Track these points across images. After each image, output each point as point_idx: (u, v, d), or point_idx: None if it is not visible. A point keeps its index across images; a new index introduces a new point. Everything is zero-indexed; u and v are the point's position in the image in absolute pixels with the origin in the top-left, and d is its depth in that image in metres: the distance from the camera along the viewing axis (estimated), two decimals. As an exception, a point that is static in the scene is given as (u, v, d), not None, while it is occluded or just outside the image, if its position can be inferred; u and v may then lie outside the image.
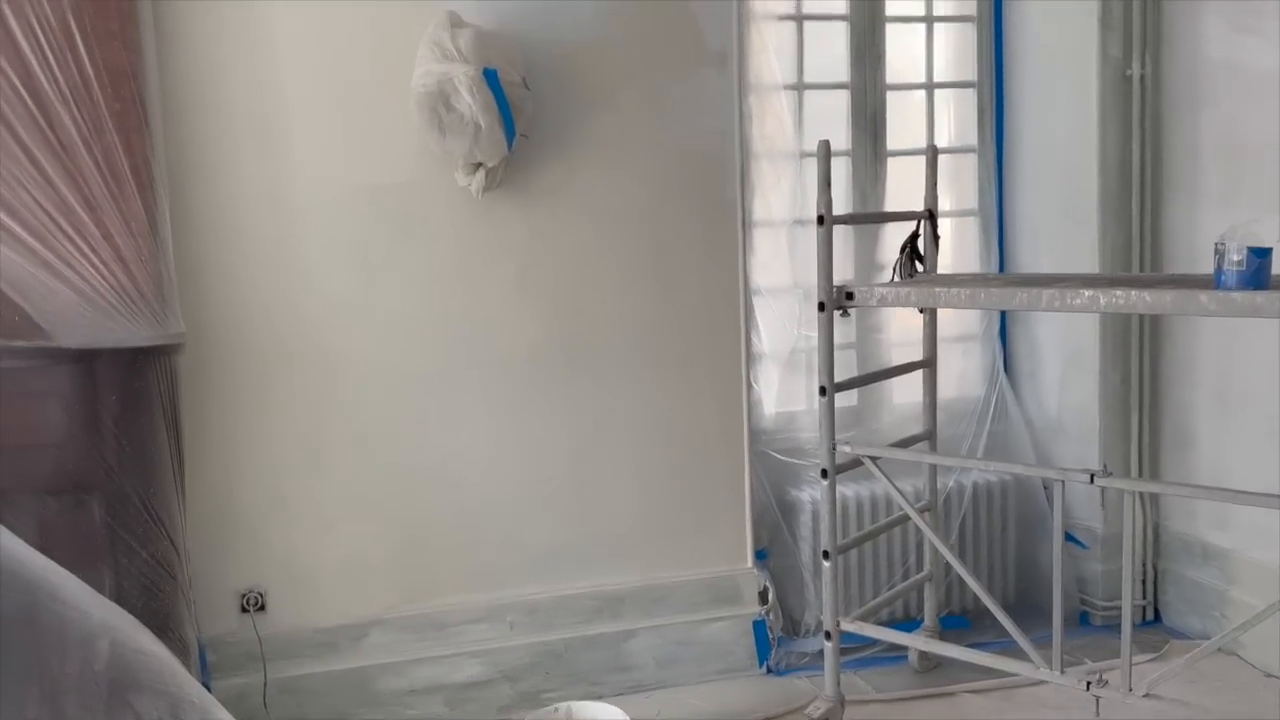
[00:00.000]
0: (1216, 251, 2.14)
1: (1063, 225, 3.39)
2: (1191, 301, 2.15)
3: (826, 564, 2.73)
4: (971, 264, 3.59)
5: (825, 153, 2.63)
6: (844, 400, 3.30)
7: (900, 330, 3.49)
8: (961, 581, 3.00)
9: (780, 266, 3.34)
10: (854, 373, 3.36)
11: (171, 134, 2.66)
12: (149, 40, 2.58)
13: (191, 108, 2.70)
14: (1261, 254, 2.09)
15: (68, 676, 1.59)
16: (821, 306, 2.67)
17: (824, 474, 2.73)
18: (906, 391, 3.37)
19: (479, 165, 2.81)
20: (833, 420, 2.71)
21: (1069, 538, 3.40)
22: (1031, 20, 3.42)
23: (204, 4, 2.68)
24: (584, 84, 2.94)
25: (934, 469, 3.11)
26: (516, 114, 2.75)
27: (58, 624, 1.63)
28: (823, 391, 2.70)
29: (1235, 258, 2.10)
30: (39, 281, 2.39)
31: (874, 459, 2.74)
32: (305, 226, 2.81)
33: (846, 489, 3.25)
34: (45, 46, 2.38)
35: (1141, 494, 3.30)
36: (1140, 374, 3.31)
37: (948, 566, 3.01)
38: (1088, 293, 2.28)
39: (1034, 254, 3.50)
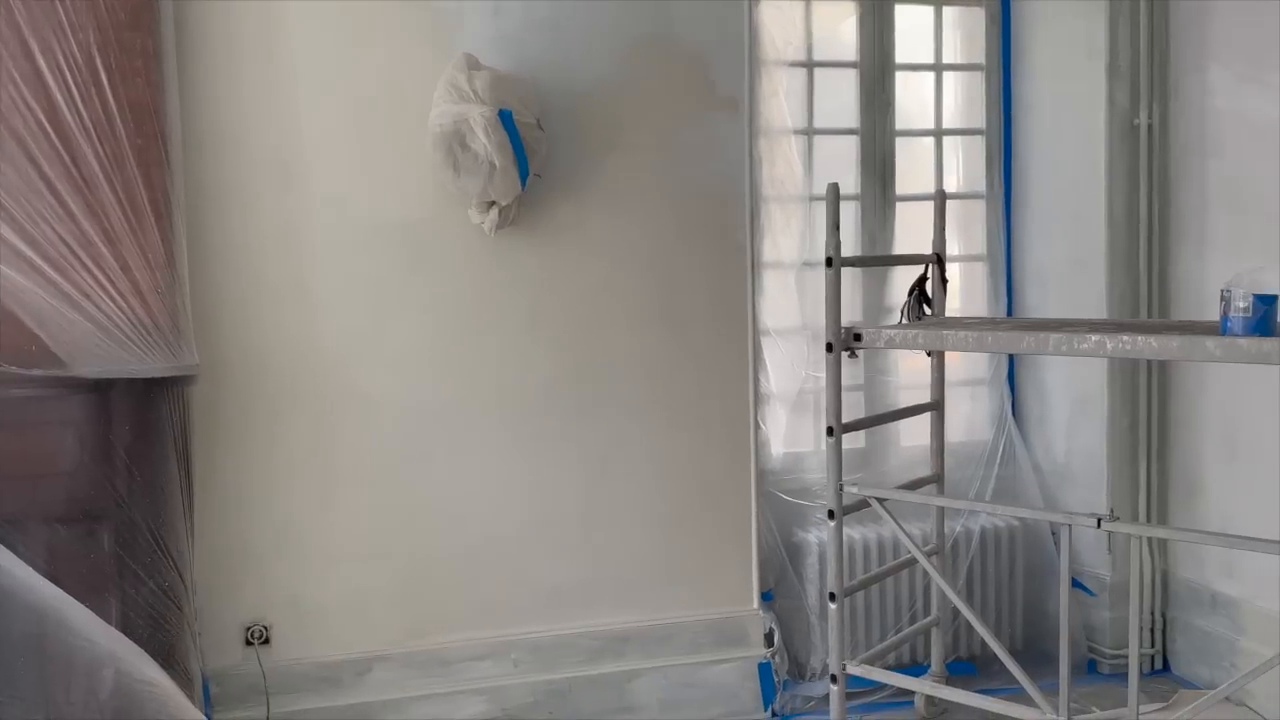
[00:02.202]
0: (1223, 298, 2.16)
1: (1071, 271, 3.41)
2: (1198, 347, 2.16)
3: (833, 606, 2.72)
4: (980, 308, 3.60)
5: (834, 196, 2.66)
6: (851, 442, 3.31)
7: (908, 373, 3.50)
8: (969, 627, 2.99)
9: (789, 308, 3.36)
10: (862, 414, 3.37)
11: (192, 169, 2.72)
12: (172, 78, 2.64)
13: (212, 144, 2.76)
14: (1267, 301, 2.11)
15: (72, 705, 1.60)
16: (830, 348, 2.69)
17: (831, 515, 2.73)
18: (914, 434, 3.37)
19: (492, 203, 2.85)
20: (840, 461, 2.72)
21: (1077, 584, 3.38)
22: (1040, 69, 3.47)
23: (227, 43, 2.75)
24: (597, 126, 2.99)
25: (941, 512, 3.10)
26: (530, 154, 2.79)
27: (65, 652, 1.65)
28: (830, 432, 2.71)
29: (1241, 304, 2.12)
30: (58, 312, 2.43)
31: (881, 500, 2.74)
32: (320, 261, 2.85)
33: (854, 531, 3.24)
34: (71, 83, 2.44)
35: (1149, 540, 3.28)
36: (1148, 420, 3.31)
37: (955, 611, 2.99)
38: (1094, 337, 2.30)
39: (1042, 299, 3.52)
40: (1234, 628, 3.12)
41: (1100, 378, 3.31)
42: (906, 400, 3.40)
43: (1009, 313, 3.59)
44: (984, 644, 2.60)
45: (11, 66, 2.41)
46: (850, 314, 3.42)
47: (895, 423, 3.34)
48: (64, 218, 2.44)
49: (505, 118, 2.72)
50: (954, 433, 3.36)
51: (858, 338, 2.70)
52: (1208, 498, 3.21)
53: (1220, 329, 2.16)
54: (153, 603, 2.54)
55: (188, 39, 2.72)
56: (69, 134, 2.44)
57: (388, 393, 2.89)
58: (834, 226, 2.66)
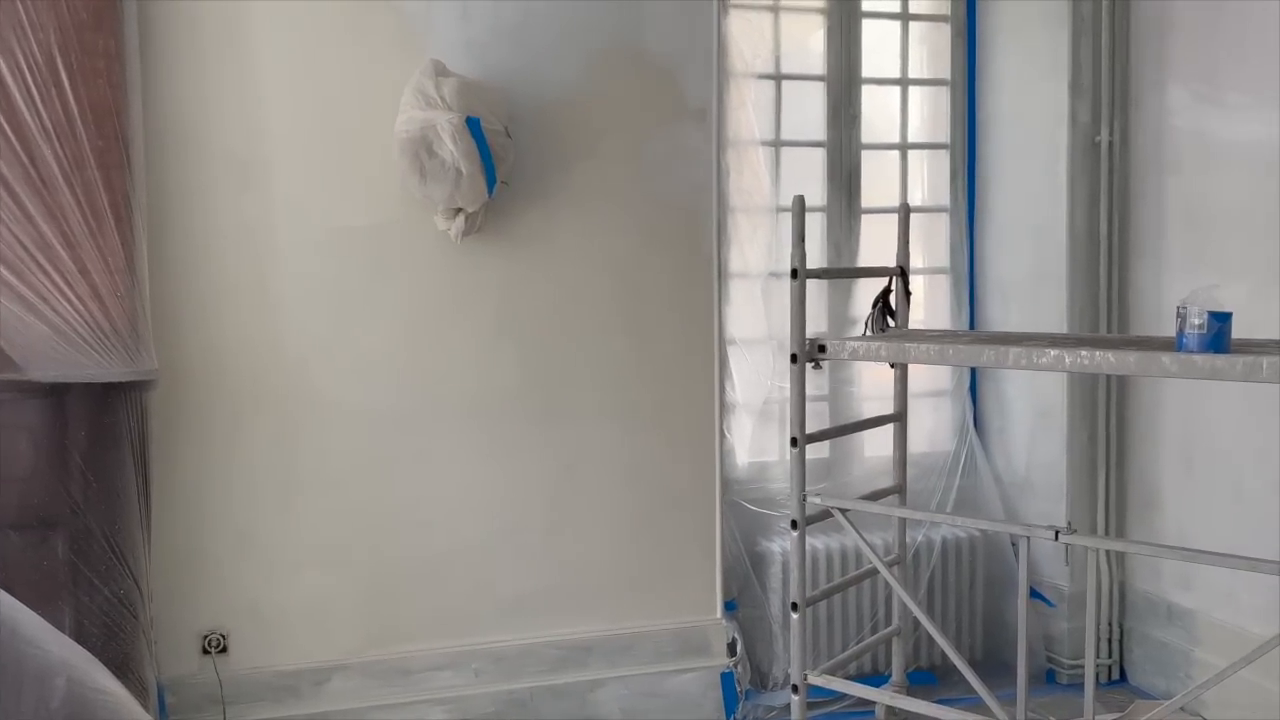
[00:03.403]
0: (1178, 315, 2.19)
1: (1032, 285, 3.45)
2: (1154, 363, 2.20)
3: (795, 616, 2.73)
4: (943, 320, 3.64)
5: (800, 208, 2.67)
6: (815, 452, 3.32)
7: (872, 384, 3.53)
8: (930, 637, 3.01)
9: (755, 318, 3.38)
10: (827, 425, 3.39)
11: (153, 170, 2.69)
12: (134, 79, 2.61)
13: (174, 145, 2.73)
14: (1221, 318, 2.14)
15: (22, 713, 1.57)
16: (794, 359, 2.70)
17: (793, 525, 2.74)
18: (878, 445, 3.39)
19: (459, 210, 2.84)
20: (803, 471, 2.73)
21: (1036, 595, 3.42)
22: (1004, 85, 3.51)
23: (191, 43, 2.72)
24: (566, 135, 2.99)
25: (903, 522, 3.12)
26: (498, 161, 2.79)
27: (15, 660, 1.61)
28: (794, 443, 2.72)
29: (1196, 321, 2.15)
30: (14, 316, 2.40)
31: (843, 511, 2.75)
32: (283, 266, 2.82)
33: (817, 541, 3.26)
34: (31, 84, 2.41)
35: (1107, 552, 3.33)
36: (1107, 433, 3.36)
37: (916, 621, 3.01)
38: (1053, 352, 2.32)
39: (1004, 312, 3.56)
40: (1190, 639, 3.16)
41: (1060, 390, 3.35)
42: (871, 411, 3.43)
43: (971, 325, 3.63)
44: (945, 654, 2.61)
45: (-31, 66, 2.38)
46: (815, 325, 3.45)
47: (859, 433, 3.36)
48: (21, 220, 2.41)
49: (473, 125, 2.72)
50: (917, 444, 3.39)
51: (822, 349, 2.72)
52: (1165, 510, 3.26)
53: (1176, 345, 2.20)
54: (107, 610, 2.51)
55: (152, 39, 2.69)
56: (28, 136, 2.41)
57: (350, 398, 2.87)
58: (799, 238, 2.68)
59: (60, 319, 2.43)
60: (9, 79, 2.39)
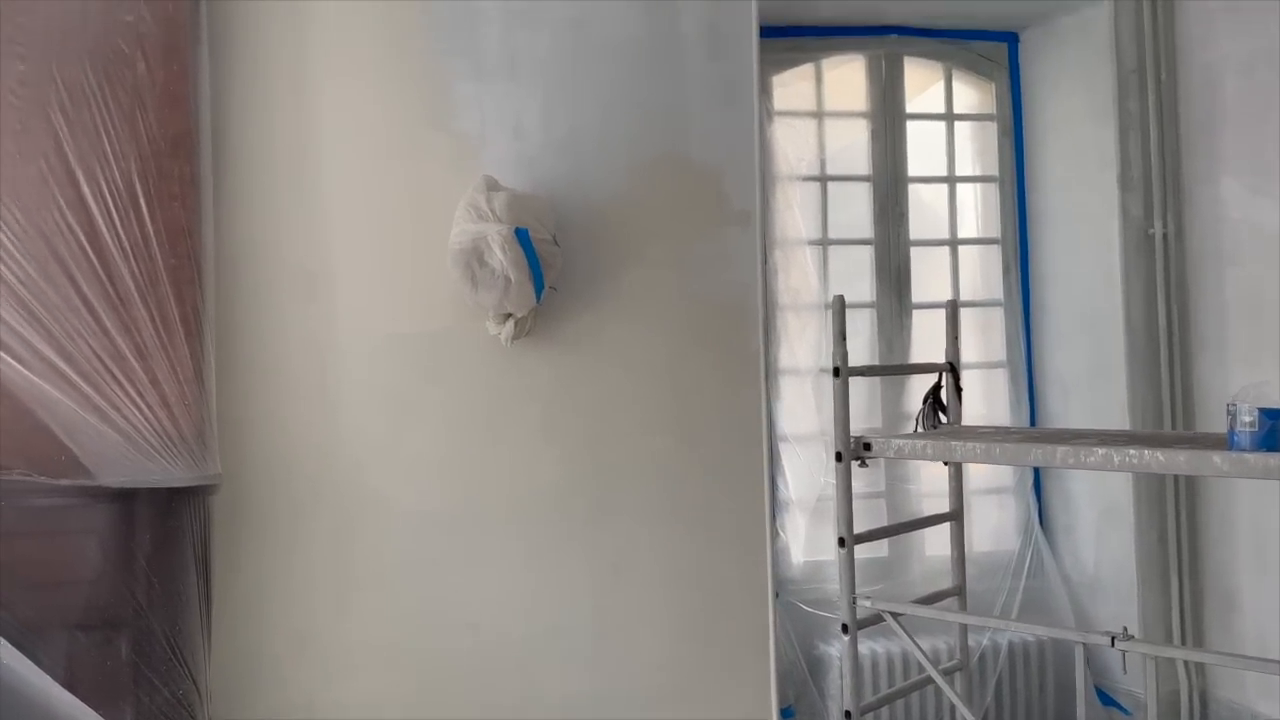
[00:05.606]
0: (1229, 413, 2.14)
1: (1092, 380, 3.39)
2: (1205, 462, 2.13)
3: (848, 724, 2.66)
4: (1002, 416, 3.58)
5: (840, 307, 2.69)
6: (873, 551, 3.28)
7: (931, 479, 3.46)
8: (994, 746, 2.89)
9: (806, 414, 3.38)
10: (884, 522, 3.33)
11: (223, 283, 2.83)
12: (208, 200, 2.78)
13: (244, 260, 2.88)
14: (1273, 415, 2.08)
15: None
16: (839, 457, 2.69)
17: (844, 629, 2.69)
18: (938, 543, 3.32)
19: (509, 315, 2.93)
20: (853, 573, 2.68)
21: (1110, 702, 3.26)
22: (1053, 180, 3.52)
23: (261, 165, 2.89)
24: (613, 241, 3.07)
25: (964, 627, 3.03)
26: (546, 269, 2.88)
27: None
28: (841, 543, 2.69)
29: (1247, 419, 2.09)
30: (89, 424, 2.54)
31: (895, 615, 2.69)
32: (343, 372, 2.93)
33: (876, 645, 3.18)
34: (112, 207, 2.59)
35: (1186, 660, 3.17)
36: (1178, 530, 3.23)
37: (979, 730, 2.90)
38: (1101, 450, 2.28)
39: (1064, 407, 3.49)
40: (1278, 752, 2.98)
41: (1126, 487, 3.25)
42: (930, 508, 3.37)
43: (1031, 420, 3.56)
44: (1007, 766, 2.51)
45: (58, 193, 2.58)
46: (868, 420, 3.44)
47: (919, 531, 3.29)
48: (99, 334, 2.56)
49: (521, 235, 2.82)
50: (980, 542, 3.31)
51: (868, 447, 2.70)
52: (1243, 613, 3.10)
53: (1228, 443, 2.14)
54: (167, 711, 2.57)
55: (225, 162, 2.86)
56: (108, 256, 2.58)
57: (404, 499, 2.93)
58: (840, 337, 2.69)
59: (131, 427, 2.56)
60: (92, 204, 2.58)
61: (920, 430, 3.00)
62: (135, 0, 2.66)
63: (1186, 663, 3.19)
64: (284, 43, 2.91)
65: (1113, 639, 2.26)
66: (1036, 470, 3.56)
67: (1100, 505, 3.37)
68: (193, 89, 2.72)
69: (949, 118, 3.59)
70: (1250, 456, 2.07)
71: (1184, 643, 3.19)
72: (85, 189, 2.57)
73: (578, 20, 3.03)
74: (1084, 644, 2.33)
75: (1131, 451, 2.23)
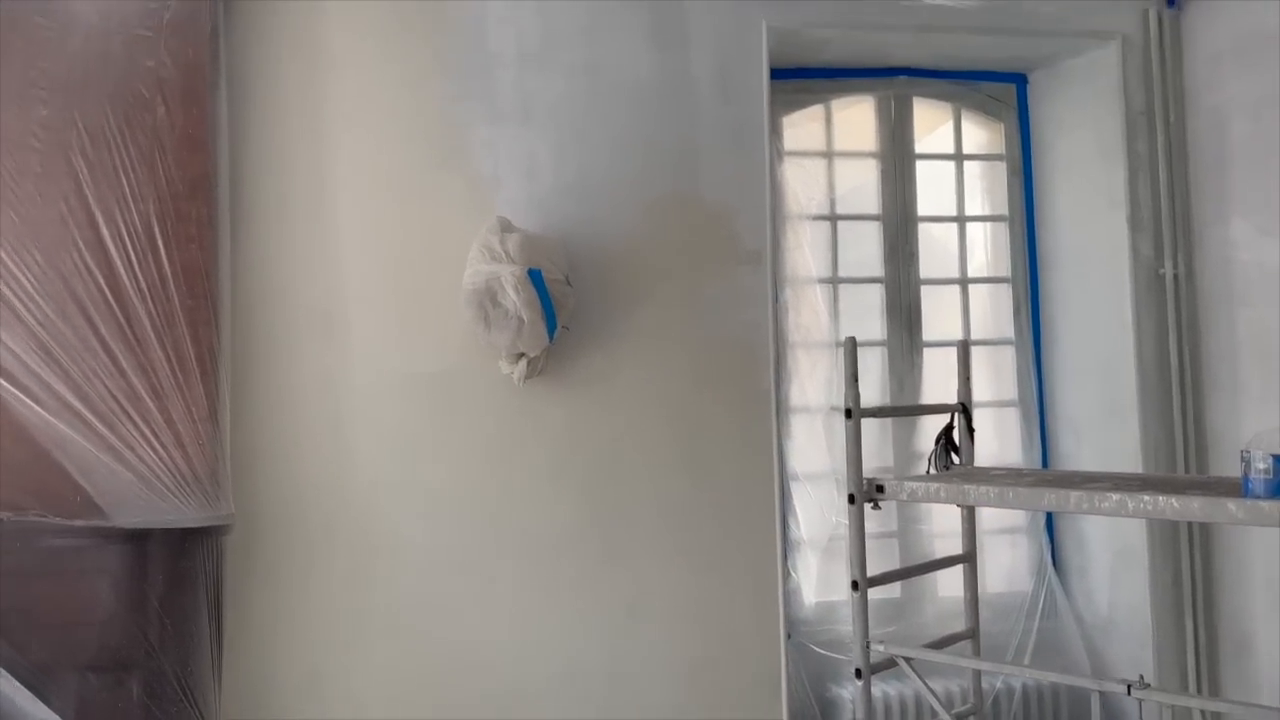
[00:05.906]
0: (1243, 459, 2.13)
1: (1104, 420, 3.38)
2: (1220, 509, 2.12)
3: (861, 769, 2.63)
4: (1015, 455, 3.57)
5: (851, 348, 2.69)
6: (886, 593, 3.25)
7: (944, 519, 3.44)
8: (1009, 792, 2.86)
9: (818, 452, 3.37)
10: (896, 562, 3.32)
11: (239, 323, 2.86)
12: (224, 243, 2.81)
13: (259, 300, 2.90)
14: (1288, 462, 2.07)
15: None
16: (852, 499, 2.68)
17: (858, 674, 2.67)
18: (951, 584, 3.28)
19: (522, 355, 2.95)
20: (865, 616, 2.67)
21: (1127, 747, 3.22)
22: (1063, 220, 3.53)
23: (276, 207, 2.92)
24: (625, 280, 3.09)
25: (977, 671, 3.00)
26: (558, 309, 2.90)
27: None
28: (855, 586, 2.68)
29: (1261, 466, 2.08)
30: (104, 465, 2.55)
31: (908, 660, 2.67)
32: (356, 412, 2.95)
33: (889, 687, 3.15)
34: (130, 249, 2.62)
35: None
36: (1192, 574, 3.21)
37: (994, 775, 2.87)
38: (1115, 496, 2.26)
39: (1076, 448, 3.48)
40: (1297, 799, 2.93)
41: (1139, 529, 3.23)
42: (943, 549, 3.34)
43: (1043, 460, 3.55)
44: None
45: (77, 234, 2.61)
46: (880, 459, 3.43)
47: (933, 572, 3.27)
48: (115, 374, 2.58)
49: (534, 276, 2.84)
50: (993, 583, 3.29)
51: (880, 489, 2.69)
52: (1258, 657, 3.07)
53: (1242, 490, 2.13)
54: (177, 752, 2.57)
55: (242, 205, 2.90)
56: (125, 296, 2.61)
57: (416, 538, 2.94)
58: (852, 378, 2.69)
59: (146, 467, 2.57)
60: (110, 245, 2.61)
61: (933, 471, 2.99)
62: (156, 45, 2.71)
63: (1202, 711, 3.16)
64: (301, 87, 2.95)
65: (1129, 687, 2.24)
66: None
67: (1114, 547, 3.35)
68: (211, 133, 2.75)
69: (958, 157, 3.61)
70: (1265, 504, 2.06)
71: (1199, 686, 3.16)
72: (104, 231, 2.60)
73: (591, 65, 3.07)
74: (1098, 692, 2.31)
75: (1146, 498, 2.22)
